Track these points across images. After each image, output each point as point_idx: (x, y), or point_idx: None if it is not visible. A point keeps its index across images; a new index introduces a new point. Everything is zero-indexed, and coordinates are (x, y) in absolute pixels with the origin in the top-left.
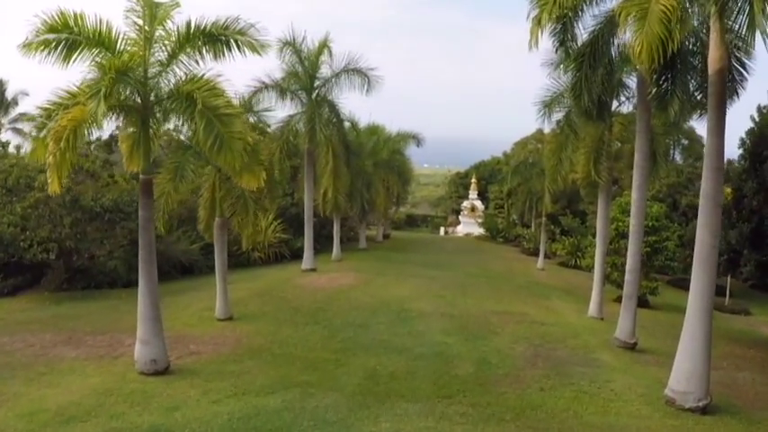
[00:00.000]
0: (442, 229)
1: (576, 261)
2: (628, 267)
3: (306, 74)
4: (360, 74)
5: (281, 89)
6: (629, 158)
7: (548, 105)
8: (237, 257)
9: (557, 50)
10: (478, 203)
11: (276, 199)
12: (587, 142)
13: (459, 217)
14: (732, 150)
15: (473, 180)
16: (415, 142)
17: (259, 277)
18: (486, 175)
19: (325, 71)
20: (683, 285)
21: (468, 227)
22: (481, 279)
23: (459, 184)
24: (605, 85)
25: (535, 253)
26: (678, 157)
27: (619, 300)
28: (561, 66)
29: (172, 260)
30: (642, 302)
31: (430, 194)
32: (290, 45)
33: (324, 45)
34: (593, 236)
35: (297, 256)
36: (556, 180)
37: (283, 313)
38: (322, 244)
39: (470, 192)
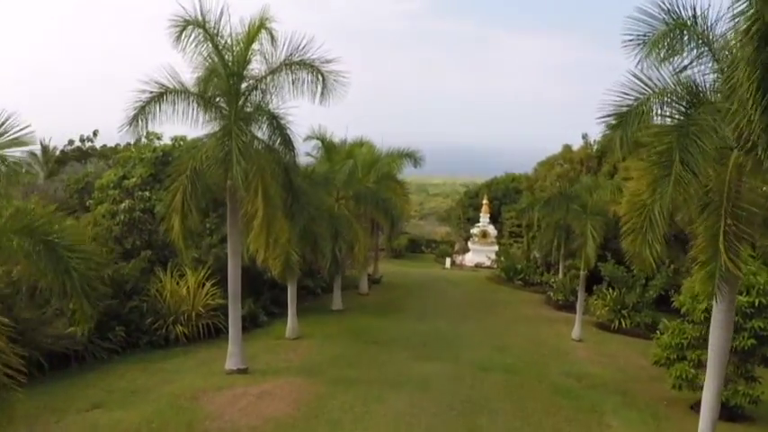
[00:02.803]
0: (448, 261)
1: (620, 323)
2: None
3: (227, 71)
4: (309, 68)
5: (187, 94)
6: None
7: (624, 119)
8: (153, 334)
9: None
10: (491, 228)
11: (94, 311)
12: (704, 193)
13: (469, 243)
14: None
15: (484, 201)
16: (412, 162)
17: (153, 388)
18: (500, 195)
19: (259, 67)
20: None
21: (479, 256)
22: (498, 377)
23: (469, 206)
24: None
25: (565, 307)
26: None
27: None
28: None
29: (37, 351)
30: (734, 414)
31: (439, 206)
32: (198, 26)
33: (259, 27)
34: (648, 292)
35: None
36: (642, 258)
37: None
38: (284, 306)
39: (481, 215)
